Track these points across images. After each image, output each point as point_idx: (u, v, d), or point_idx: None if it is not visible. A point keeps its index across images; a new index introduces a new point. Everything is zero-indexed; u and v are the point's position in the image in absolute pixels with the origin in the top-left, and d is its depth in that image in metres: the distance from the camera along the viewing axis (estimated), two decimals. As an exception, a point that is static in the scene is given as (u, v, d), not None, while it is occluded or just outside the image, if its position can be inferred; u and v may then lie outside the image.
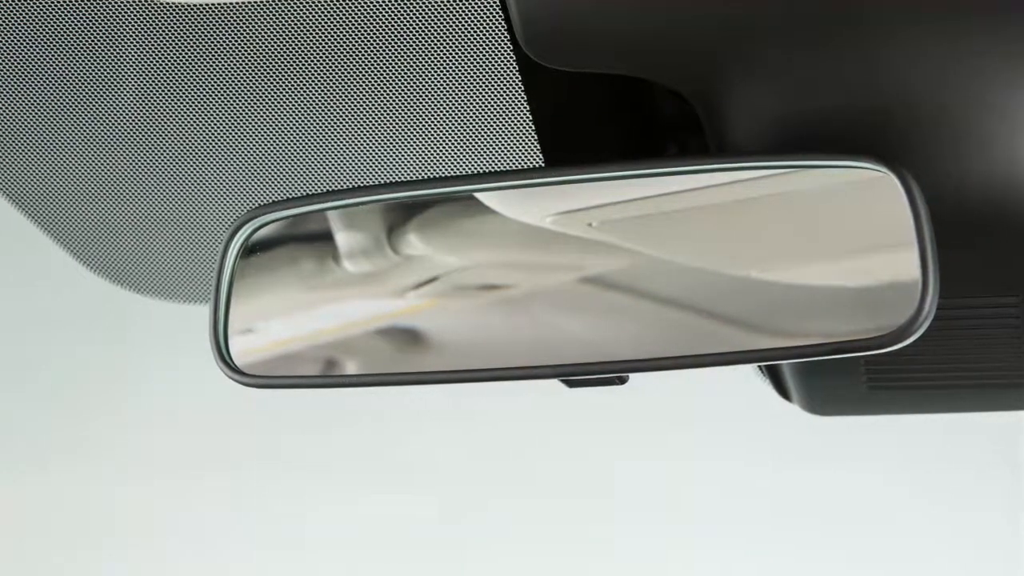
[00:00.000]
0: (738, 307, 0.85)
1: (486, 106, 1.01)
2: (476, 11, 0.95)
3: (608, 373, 0.87)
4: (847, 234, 0.84)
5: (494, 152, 1.05)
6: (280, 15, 0.96)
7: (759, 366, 1.20)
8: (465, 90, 1.00)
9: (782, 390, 1.23)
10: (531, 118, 1.01)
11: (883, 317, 0.80)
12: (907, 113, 0.86)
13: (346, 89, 1.02)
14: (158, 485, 2.52)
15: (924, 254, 0.79)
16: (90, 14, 0.98)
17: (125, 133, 1.07)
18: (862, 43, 0.82)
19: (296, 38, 0.97)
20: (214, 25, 0.97)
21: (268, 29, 0.96)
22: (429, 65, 0.98)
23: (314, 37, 0.96)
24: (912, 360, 1.12)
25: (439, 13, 0.95)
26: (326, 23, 0.97)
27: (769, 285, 0.85)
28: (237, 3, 0.95)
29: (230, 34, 0.97)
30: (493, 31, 0.95)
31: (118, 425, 2.45)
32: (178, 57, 1.00)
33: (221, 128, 1.06)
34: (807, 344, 0.83)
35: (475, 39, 0.95)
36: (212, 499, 2.52)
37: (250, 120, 1.05)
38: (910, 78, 0.84)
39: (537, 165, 1.05)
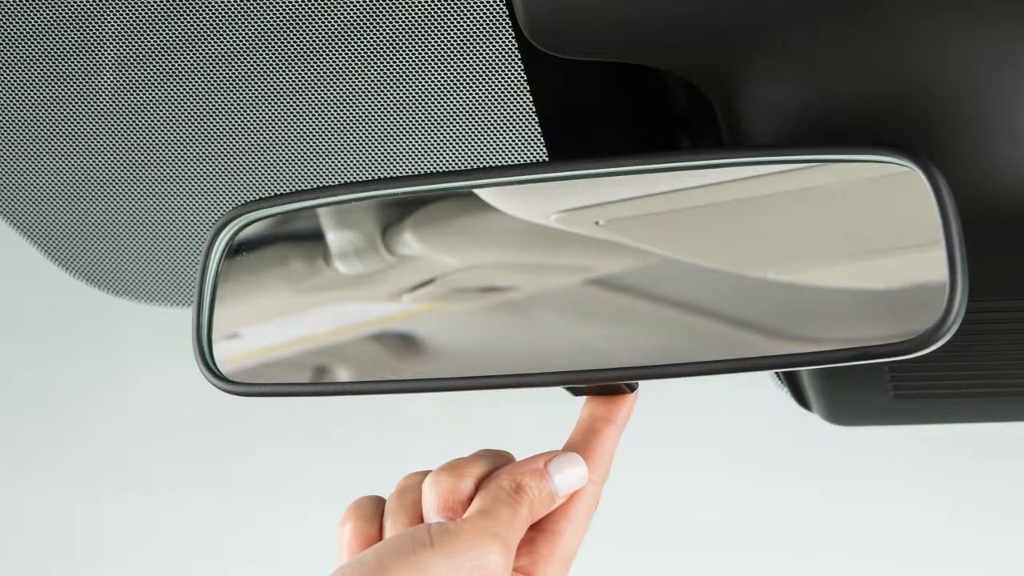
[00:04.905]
0: (753, 311, 0.85)
1: (487, 101, 1.01)
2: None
3: (616, 380, 0.87)
4: (870, 233, 0.84)
5: (495, 146, 1.05)
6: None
7: (776, 373, 1.20)
8: (465, 89, 1.00)
9: (801, 398, 1.23)
10: (535, 109, 1.01)
11: (908, 321, 0.80)
12: (934, 104, 0.86)
13: (339, 81, 1.02)
14: (139, 499, 2.52)
15: (952, 254, 0.79)
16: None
17: (102, 126, 1.07)
18: (887, 26, 0.82)
19: (277, 16, 0.97)
20: (197, 4, 0.97)
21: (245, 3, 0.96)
22: (424, 56, 0.98)
23: (296, 13, 0.96)
24: (940, 367, 1.12)
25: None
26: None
27: (786, 287, 0.85)
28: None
29: (209, 10, 0.97)
30: (488, 2, 0.95)
31: (97, 433, 2.46)
32: (161, 43, 1.00)
33: (205, 119, 1.06)
34: (827, 350, 0.83)
35: (472, 12, 0.95)
36: (199, 512, 2.52)
37: (237, 113, 1.05)
38: (938, 65, 0.84)
39: (541, 159, 1.05)
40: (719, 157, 0.86)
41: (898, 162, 0.81)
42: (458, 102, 1.01)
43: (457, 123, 1.03)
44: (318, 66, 1.00)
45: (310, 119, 1.05)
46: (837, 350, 0.82)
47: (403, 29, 0.96)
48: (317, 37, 0.97)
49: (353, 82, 1.01)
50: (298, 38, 0.98)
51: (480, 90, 0.99)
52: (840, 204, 0.84)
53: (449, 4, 0.94)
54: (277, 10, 0.96)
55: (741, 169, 0.85)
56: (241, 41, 0.98)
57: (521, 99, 0.99)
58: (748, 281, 0.85)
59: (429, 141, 1.04)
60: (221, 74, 1.01)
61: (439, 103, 1.01)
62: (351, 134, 1.05)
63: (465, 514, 0.83)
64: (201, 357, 0.91)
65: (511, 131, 1.02)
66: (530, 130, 1.02)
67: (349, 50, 0.98)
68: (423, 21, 0.95)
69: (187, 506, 2.51)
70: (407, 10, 0.94)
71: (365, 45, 0.97)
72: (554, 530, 0.85)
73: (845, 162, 0.83)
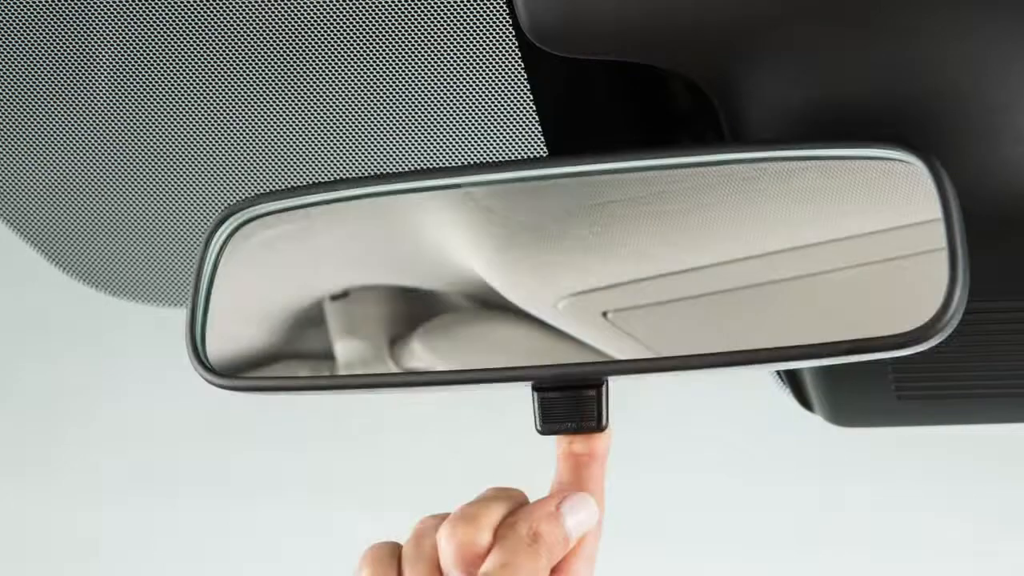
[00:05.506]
0: (753, 307, 0.85)
1: (482, 94, 1.01)
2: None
3: (616, 376, 0.86)
4: (872, 227, 0.84)
5: (492, 142, 1.04)
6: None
7: (778, 373, 1.20)
8: (463, 83, 1.00)
9: (803, 399, 1.23)
10: (534, 108, 1.01)
11: (909, 316, 0.80)
12: (934, 103, 0.86)
13: (326, 75, 1.01)
14: (139, 500, 2.52)
15: (953, 248, 0.79)
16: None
17: (98, 120, 1.07)
18: (887, 26, 0.82)
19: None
20: None
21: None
22: (413, 47, 0.97)
23: (278, 4, 0.96)
24: (943, 368, 1.12)
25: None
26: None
27: (787, 282, 0.85)
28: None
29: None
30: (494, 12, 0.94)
31: (97, 433, 2.46)
32: (157, 33, 1.00)
33: (202, 117, 1.06)
34: (827, 344, 0.83)
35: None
36: (199, 512, 2.53)
37: (233, 109, 1.05)
38: (939, 65, 0.84)
39: (540, 157, 1.05)
40: (722, 152, 0.86)
41: (901, 157, 0.81)
42: (451, 96, 1.00)
43: (450, 119, 1.02)
44: (303, 60, 0.99)
45: (297, 115, 1.05)
46: (837, 344, 0.82)
47: (390, 19, 0.95)
48: (299, 30, 0.97)
49: (340, 76, 1.00)
50: (280, 31, 0.97)
51: (474, 83, 0.99)
52: (842, 199, 0.85)
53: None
54: (260, 2, 0.96)
55: (741, 166, 0.85)
56: (227, 34, 0.98)
57: (517, 91, 0.99)
58: (746, 277, 0.85)
59: (423, 137, 1.04)
60: (209, 68, 1.01)
61: (431, 98, 1.01)
62: (341, 130, 1.05)
63: (485, 566, 0.82)
64: (194, 351, 0.90)
65: (508, 126, 1.02)
66: (527, 125, 1.01)
67: (335, 43, 0.98)
68: (410, 10, 0.94)
69: (187, 507, 2.51)
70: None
71: (351, 38, 0.97)
72: (569, 570, 0.84)
73: (849, 158, 0.84)
